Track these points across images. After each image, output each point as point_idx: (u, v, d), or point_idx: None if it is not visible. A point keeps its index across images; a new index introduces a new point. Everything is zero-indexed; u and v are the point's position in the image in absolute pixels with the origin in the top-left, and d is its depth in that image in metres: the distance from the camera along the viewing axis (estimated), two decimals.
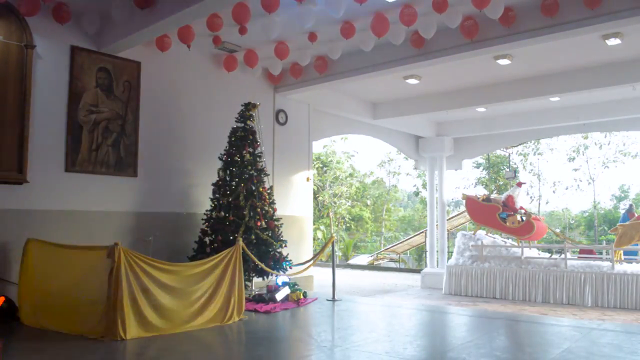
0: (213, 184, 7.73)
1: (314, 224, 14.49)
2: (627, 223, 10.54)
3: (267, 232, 7.51)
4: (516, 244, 11.70)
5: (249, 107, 7.94)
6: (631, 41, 7.54)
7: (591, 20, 6.23)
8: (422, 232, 18.79)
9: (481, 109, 11.59)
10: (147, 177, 7.69)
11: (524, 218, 11.37)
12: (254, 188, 7.54)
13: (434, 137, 13.60)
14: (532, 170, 26.50)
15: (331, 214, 25.33)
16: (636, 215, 10.86)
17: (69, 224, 6.75)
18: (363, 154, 44.91)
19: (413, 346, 5.08)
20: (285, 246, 7.80)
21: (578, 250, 12.39)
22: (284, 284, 7.57)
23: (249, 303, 6.97)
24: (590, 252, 11.74)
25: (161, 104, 7.96)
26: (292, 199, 9.99)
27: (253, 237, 7.31)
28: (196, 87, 8.46)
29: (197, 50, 7.99)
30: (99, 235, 6.74)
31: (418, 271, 15.38)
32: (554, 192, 26.75)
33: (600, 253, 11.35)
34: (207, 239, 7.53)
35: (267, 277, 7.75)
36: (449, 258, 12.93)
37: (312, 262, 8.01)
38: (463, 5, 6.31)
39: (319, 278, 10.53)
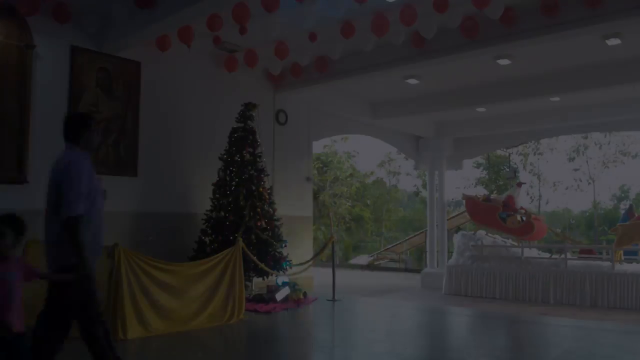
0: (213, 184, 7.73)
1: (314, 224, 14.46)
2: (627, 223, 10.53)
3: (267, 232, 7.51)
4: (516, 244, 11.69)
5: (249, 107, 7.95)
6: (631, 41, 7.53)
7: (591, 20, 6.23)
8: (422, 232, 18.77)
9: (481, 109, 11.57)
10: (147, 177, 7.69)
11: (524, 218, 11.36)
12: (254, 188, 7.53)
13: (434, 137, 13.58)
14: (532, 170, 26.50)
15: (331, 214, 25.30)
16: (636, 215, 10.86)
17: None
18: (363, 154, 44.91)
19: (413, 346, 5.08)
20: (286, 246, 7.80)
21: (578, 250, 12.38)
22: (284, 284, 7.57)
23: (249, 303, 6.97)
24: (591, 252, 11.72)
25: (161, 104, 7.96)
26: (292, 199, 9.98)
27: (253, 237, 7.31)
28: (196, 87, 8.45)
29: (197, 50, 7.98)
30: None
31: (418, 271, 15.37)
32: (554, 192, 26.77)
33: (601, 253, 11.34)
34: (207, 239, 7.53)
35: (267, 277, 7.75)
36: (449, 258, 12.92)
37: (311, 262, 8.01)
38: (463, 6, 6.30)
39: (319, 278, 10.52)
